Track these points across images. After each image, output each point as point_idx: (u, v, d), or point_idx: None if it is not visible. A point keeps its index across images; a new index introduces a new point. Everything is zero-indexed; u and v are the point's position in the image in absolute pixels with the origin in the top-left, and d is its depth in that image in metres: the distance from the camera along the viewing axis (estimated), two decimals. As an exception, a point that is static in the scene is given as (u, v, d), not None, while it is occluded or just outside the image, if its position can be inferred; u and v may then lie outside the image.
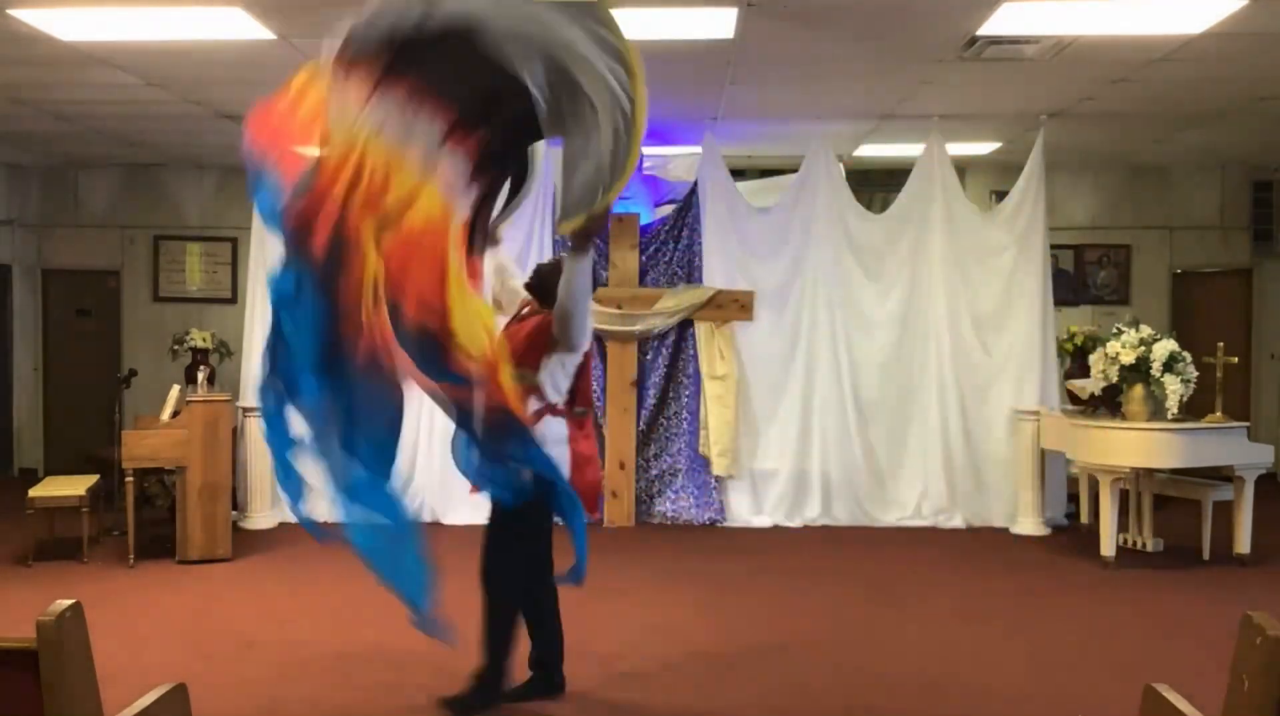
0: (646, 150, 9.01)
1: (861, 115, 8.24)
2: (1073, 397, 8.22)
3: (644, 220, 8.65)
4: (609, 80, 3.34)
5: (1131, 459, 6.91)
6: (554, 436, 4.28)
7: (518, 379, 3.93)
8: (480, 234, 3.81)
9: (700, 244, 8.54)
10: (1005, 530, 8.25)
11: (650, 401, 8.53)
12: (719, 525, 8.38)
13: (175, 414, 7.42)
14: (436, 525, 8.40)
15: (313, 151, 3.46)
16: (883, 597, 6.37)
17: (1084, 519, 8.17)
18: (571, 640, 5.48)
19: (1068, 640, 5.51)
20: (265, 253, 8.54)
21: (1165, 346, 6.86)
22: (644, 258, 8.58)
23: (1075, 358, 8.36)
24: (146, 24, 5.71)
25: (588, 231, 3.79)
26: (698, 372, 8.47)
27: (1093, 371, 7.24)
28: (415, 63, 3.40)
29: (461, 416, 3.69)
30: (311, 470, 3.51)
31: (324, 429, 3.43)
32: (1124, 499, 7.36)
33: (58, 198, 10.83)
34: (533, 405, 4.21)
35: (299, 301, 3.38)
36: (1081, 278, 10.67)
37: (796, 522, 8.44)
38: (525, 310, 4.56)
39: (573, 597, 6.29)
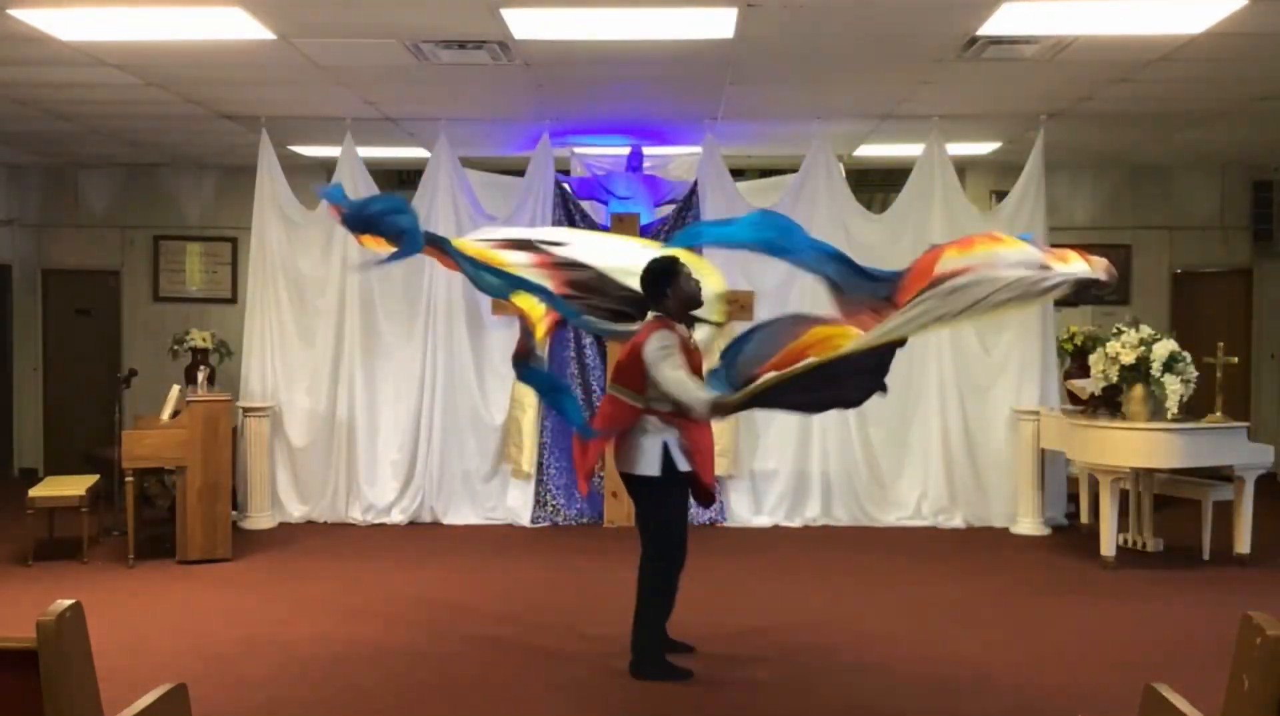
0: (647, 150, 9.00)
1: (861, 115, 8.23)
2: (1073, 397, 8.22)
3: (644, 220, 8.64)
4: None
5: (1131, 459, 6.90)
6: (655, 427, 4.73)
7: (612, 391, 4.80)
8: None
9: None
10: (1005, 530, 8.24)
11: (650, 401, 8.51)
12: (719, 525, 8.38)
13: (175, 414, 7.42)
14: (436, 525, 8.41)
15: None
16: (883, 598, 6.37)
17: (1084, 519, 8.17)
18: (570, 638, 5.50)
19: (1068, 640, 5.51)
20: (265, 253, 8.55)
21: (1165, 346, 6.85)
22: (644, 258, 8.56)
23: (1075, 357, 8.35)
24: (146, 24, 5.70)
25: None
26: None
27: (1093, 371, 7.23)
28: None
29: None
30: None
31: None
32: (1124, 499, 7.36)
33: (58, 198, 10.82)
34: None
35: None
36: (1081, 277, 10.64)
37: (796, 522, 8.44)
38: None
39: (572, 596, 6.32)
